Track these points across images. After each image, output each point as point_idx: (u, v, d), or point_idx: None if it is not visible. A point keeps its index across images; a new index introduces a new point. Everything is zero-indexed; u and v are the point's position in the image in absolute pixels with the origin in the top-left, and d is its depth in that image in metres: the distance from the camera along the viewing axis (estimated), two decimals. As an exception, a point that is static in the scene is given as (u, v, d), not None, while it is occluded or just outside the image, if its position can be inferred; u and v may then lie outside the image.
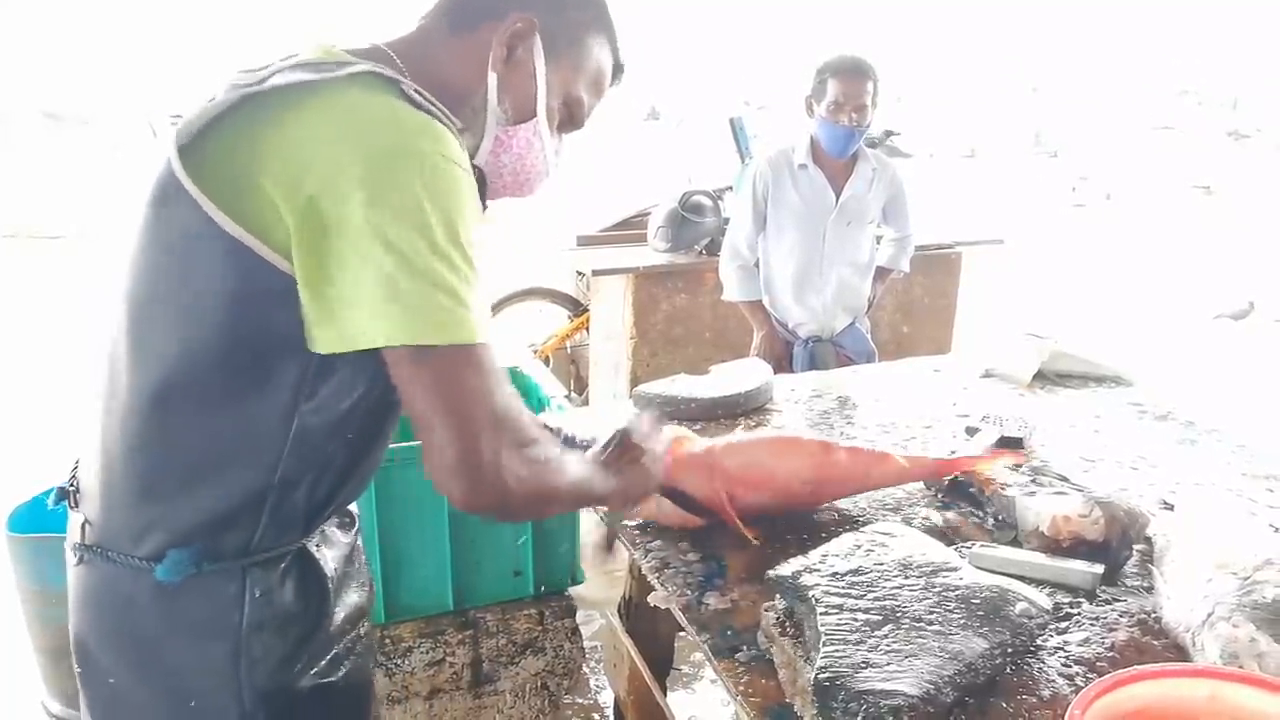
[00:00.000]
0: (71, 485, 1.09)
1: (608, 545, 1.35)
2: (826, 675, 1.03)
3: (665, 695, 1.83)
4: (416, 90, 0.95)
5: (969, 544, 1.45)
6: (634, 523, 1.54)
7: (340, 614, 1.12)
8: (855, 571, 1.21)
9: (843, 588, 1.18)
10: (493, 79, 1.06)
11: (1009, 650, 1.14)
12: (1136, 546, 1.44)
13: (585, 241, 4.42)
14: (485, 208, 1.10)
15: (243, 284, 0.90)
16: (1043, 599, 1.22)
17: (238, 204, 0.88)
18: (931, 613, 1.14)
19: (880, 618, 1.13)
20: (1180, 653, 1.20)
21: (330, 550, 1.12)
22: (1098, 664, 1.19)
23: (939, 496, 1.65)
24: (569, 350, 4.52)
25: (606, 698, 2.54)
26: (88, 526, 1.03)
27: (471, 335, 0.90)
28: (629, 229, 4.46)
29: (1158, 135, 19.10)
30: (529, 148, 1.11)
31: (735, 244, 3.02)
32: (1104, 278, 8.20)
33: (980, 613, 1.15)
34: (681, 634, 1.71)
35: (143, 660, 1.02)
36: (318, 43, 1.01)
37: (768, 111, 14.15)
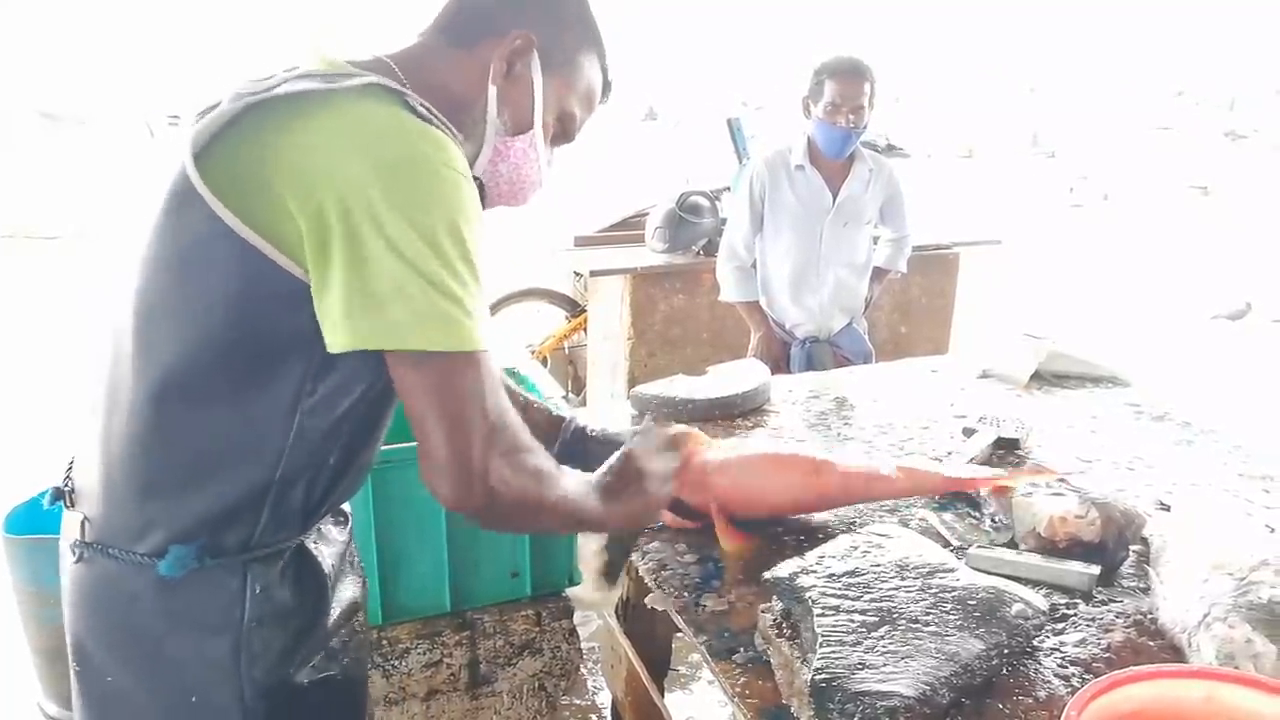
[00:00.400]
0: (67, 485, 1.10)
1: (611, 574, 1.35)
2: (823, 676, 1.03)
3: (663, 696, 1.83)
4: (421, 103, 0.98)
5: (965, 545, 1.45)
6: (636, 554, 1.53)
7: (336, 609, 1.15)
8: (852, 573, 1.21)
9: (839, 589, 1.18)
10: (493, 92, 1.10)
11: (1005, 651, 1.14)
12: (1133, 547, 1.44)
13: (583, 242, 4.42)
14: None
15: (252, 286, 0.92)
16: (1039, 600, 1.23)
17: (250, 208, 0.91)
18: (928, 614, 1.14)
19: (877, 619, 1.13)
20: (1176, 653, 1.20)
21: (327, 547, 1.15)
22: (1094, 665, 1.19)
23: (936, 498, 1.66)
24: (567, 351, 4.52)
25: (604, 699, 2.54)
26: (87, 524, 1.04)
27: (473, 343, 0.93)
28: (627, 229, 4.46)
29: (1155, 135, 19.15)
30: (525, 158, 1.15)
31: (732, 245, 3.03)
32: (1101, 278, 8.21)
33: (977, 614, 1.15)
34: (679, 635, 1.71)
35: (142, 657, 1.03)
36: (319, 53, 1.03)
37: (765, 112, 14.16)
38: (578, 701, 2.56)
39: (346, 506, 1.24)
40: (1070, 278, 8.13)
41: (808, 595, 1.16)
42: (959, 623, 1.13)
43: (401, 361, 0.93)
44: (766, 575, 1.24)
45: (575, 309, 4.41)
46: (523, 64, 1.11)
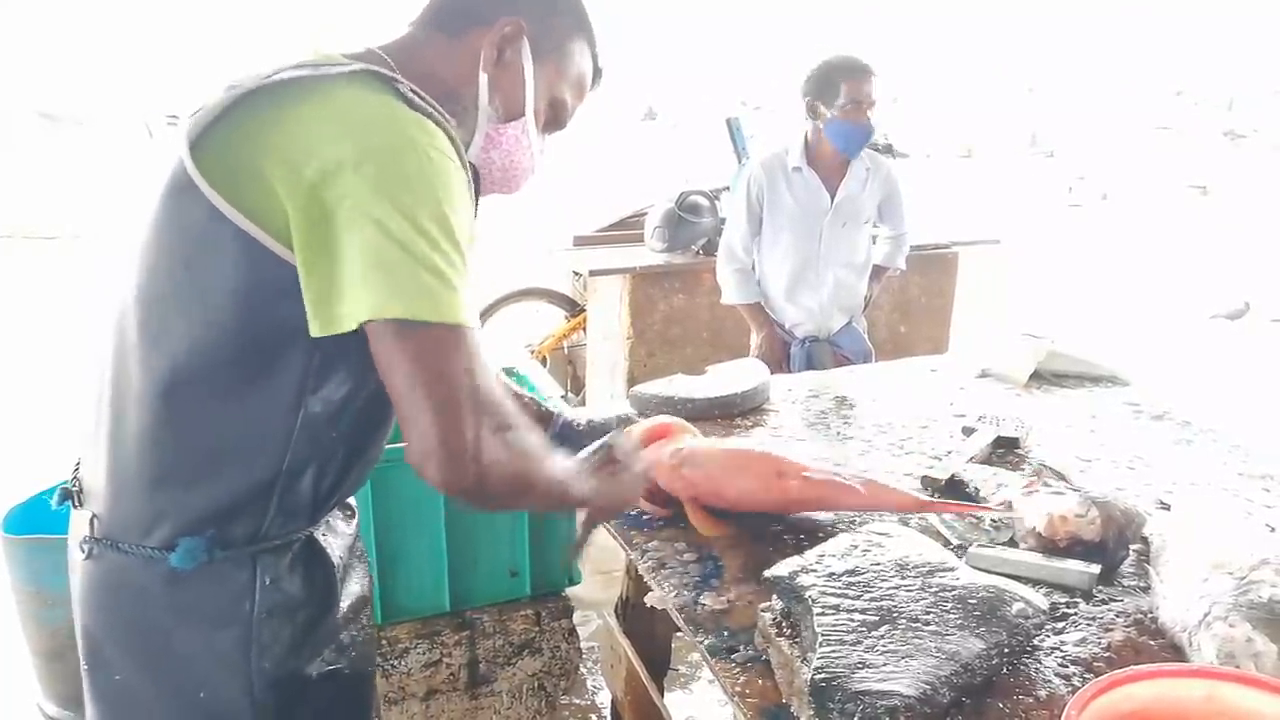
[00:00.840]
0: (74, 484, 1.10)
1: (576, 547, 1.36)
2: (823, 676, 1.03)
3: (662, 696, 1.83)
4: (412, 89, 0.99)
5: (966, 544, 1.45)
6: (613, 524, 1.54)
7: (345, 603, 1.15)
8: (852, 572, 1.21)
9: (839, 588, 1.18)
10: (484, 79, 1.11)
11: (1006, 650, 1.14)
12: (1133, 546, 1.44)
13: (582, 242, 4.42)
14: (478, 205, 1.12)
15: (251, 275, 0.92)
16: (1039, 599, 1.22)
17: (242, 195, 0.91)
18: (928, 613, 1.14)
19: (877, 618, 1.12)
20: (1177, 653, 1.20)
21: (335, 539, 1.15)
22: (1094, 664, 1.19)
23: (935, 497, 1.65)
24: (566, 350, 4.52)
25: (603, 698, 2.54)
26: (96, 520, 1.04)
27: (455, 316, 0.92)
28: (626, 229, 4.46)
29: (1154, 135, 19.15)
30: (518, 145, 1.16)
31: (731, 247, 3.03)
32: (1100, 278, 8.21)
33: (977, 613, 1.15)
34: (678, 634, 1.71)
35: (152, 651, 1.04)
36: (313, 49, 1.04)
37: (764, 112, 14.16)
38: (577, 701, 2.56)
39: (353, 501, 1.24)
40: (1069, 277, 8.13)
41: (807, 594, 1.16)
42: (959, 622, 1.13)
43: (381, 335, 0.90)
44: (766, 574, 1.24)
45: (574, 309, 4.41)
46: (513, 50, 1.12)
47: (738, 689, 1.15)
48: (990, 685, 1.12)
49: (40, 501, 2.27)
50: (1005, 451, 1.86)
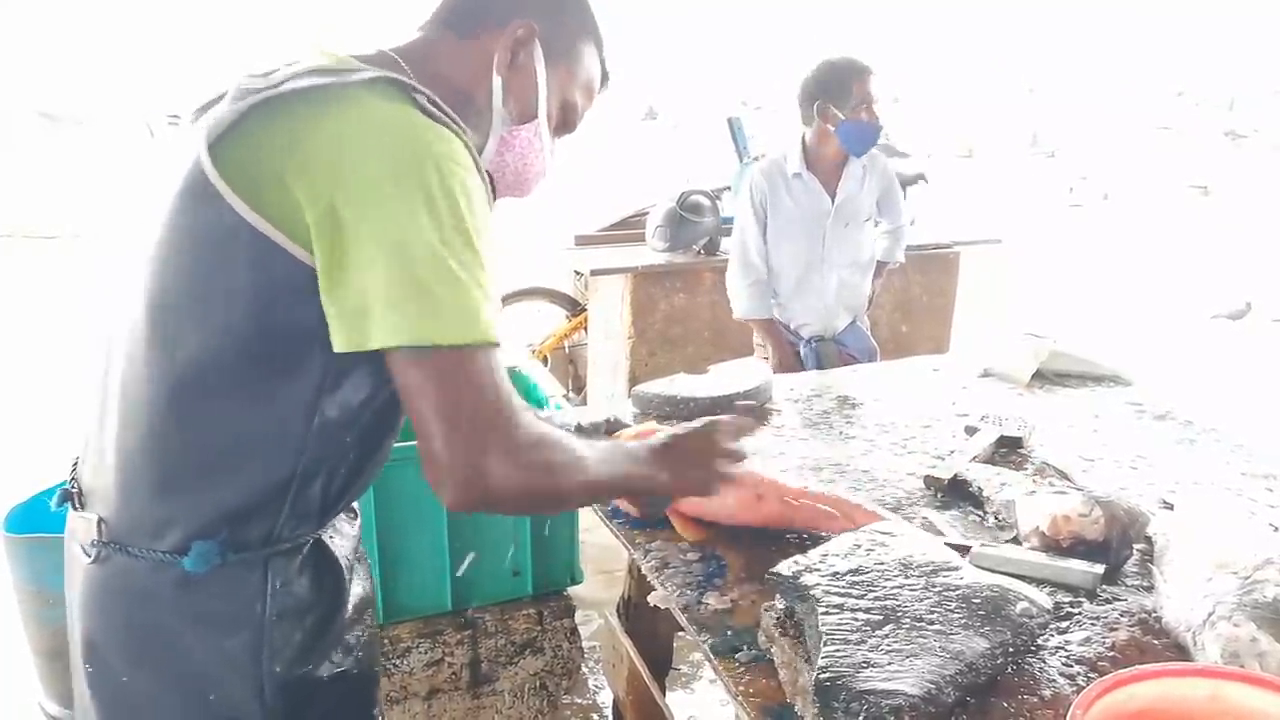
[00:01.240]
0: (73, 486, 1.09)
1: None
2: (827, 675, 1.03)
3: (664, 695, 1.83)
4: (429, 98, 0.98)
5: (969, 543, 1.45)
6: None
7: (350, 604, 1.15)
8: (855, 571, 1.21)
9: (843, 587, 1.17)
10: (497, 82, 1.11)
11: (1010, 650, 1.13)
12: (1137, 546, 1.44)
13: (583, 241, 4.42)
14: (491, 210, 1.11)
15: (268, 278, 0.92)
16: (1043, 598, 1.22)
17: (262, 200, 0.91)
18: (932, 612, 1.14)
19: (881, 617, 1.12)
20: (1181, 652, 1.20)
21: (341, 541, 1.15)
22: (1099, 663, 1.18)
23: (938, 496, 1.65)
24: (567, 350, 4.52)
25: (605, 698, 2.54)
26: (103, 524, 1.03)
27: (472, 335, 0.91)
28: (627, 229, 4.46)
29: (1155, 135, 19.17)
30: (530, 148, 1.16)
31: (746, 257, 2.96)
32: (1102, 278, 8.21)
33: (981, 612, 1.15)
34: (681, 634, 1.71)
35: (160, 655, 1.03)
36: (322, 48, 1.03)
37: (765, 111, 14.17)
38: (579, 701, 2.55)
39: (355, 502, 1.23)
40: (1071, 277, 8.13)
41: (811, 593, 1.16)
42: (963, 621, 1.13)
43: (399, 359, 0.91)
44: (769, 573, 1.24)
45: (576, 308, 4.41)
46: (526, 53, 1.12)
47: (741, 689, 1.15)
48: (995, 685, 1.11)
49: (41, 501, 2.27)
50: (1008, 451, 1.86)
